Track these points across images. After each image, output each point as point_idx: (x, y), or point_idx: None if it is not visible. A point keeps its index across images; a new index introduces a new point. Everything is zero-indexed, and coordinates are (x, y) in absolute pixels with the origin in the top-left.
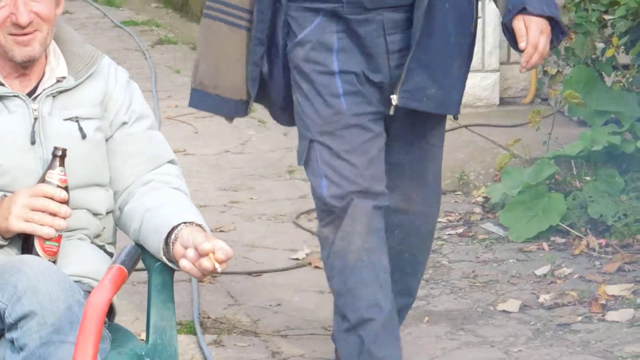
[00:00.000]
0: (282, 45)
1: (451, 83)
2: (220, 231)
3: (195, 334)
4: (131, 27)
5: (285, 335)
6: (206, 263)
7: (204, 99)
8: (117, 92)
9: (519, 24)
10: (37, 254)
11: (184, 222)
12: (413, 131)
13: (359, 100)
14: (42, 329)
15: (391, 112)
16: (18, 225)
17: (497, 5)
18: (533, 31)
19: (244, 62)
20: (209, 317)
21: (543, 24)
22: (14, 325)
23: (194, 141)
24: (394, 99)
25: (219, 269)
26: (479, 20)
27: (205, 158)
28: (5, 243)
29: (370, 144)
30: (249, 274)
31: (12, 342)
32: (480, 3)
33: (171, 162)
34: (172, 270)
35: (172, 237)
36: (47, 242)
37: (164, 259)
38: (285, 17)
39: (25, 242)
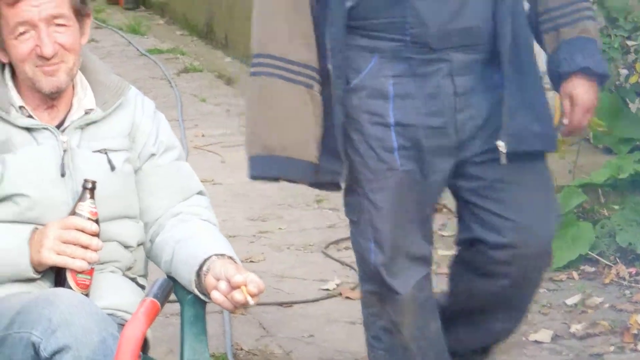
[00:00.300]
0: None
1: (549, 116)
2: (250, 261)
3: None
4: (156, 55)
5: None
6: (238, 296)
7: (271, 164)
8: (144, 123)
9: (565, 100)
10: (70, 287)
11: (215, 254)
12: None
13: (415, 155)
14: None
15: (503, 161)
16: (50, 258)
17: (539, 40)
18: (579, 114)
19: (310, 120)
20: (241, 349)
21: (591, 100)
22: (49, 359)
23: (222, 170)
24: (501, 145)
25: (251, 302)
26: None
27: (233, 187)
28: (38, 276)
29: (424, 205)
30: (280, 304)
31: None
32: None
33: (200, 193)
34: (204, 303)
35: (204, 269)
36: (80, 275)
37: (196, 291)
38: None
39: (57, 275)
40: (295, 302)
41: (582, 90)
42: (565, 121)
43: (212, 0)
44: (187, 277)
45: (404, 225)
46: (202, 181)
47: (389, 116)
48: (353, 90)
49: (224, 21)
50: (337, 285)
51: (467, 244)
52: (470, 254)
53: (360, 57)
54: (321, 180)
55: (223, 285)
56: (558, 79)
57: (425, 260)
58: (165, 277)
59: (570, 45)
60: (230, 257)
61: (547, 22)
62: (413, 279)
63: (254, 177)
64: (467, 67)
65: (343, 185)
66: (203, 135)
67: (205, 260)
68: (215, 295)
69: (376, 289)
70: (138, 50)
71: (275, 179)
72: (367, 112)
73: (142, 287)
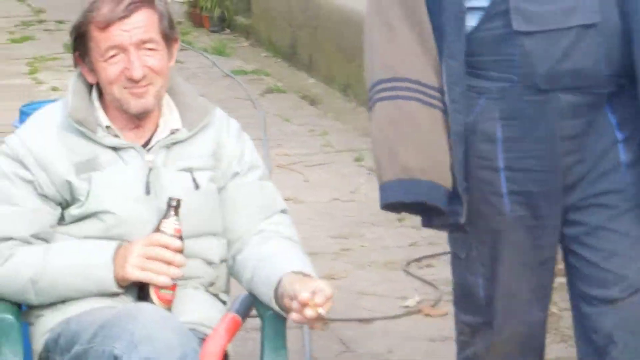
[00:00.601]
0: None
1: None
2: (332, 278)
3: None
4: (241, 76)
5: None
6: (309, 312)
7: (410, 188)
8: (229, 143)
9: None
10: (153, 302)
11: (284, 275)
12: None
13: (526, 200)
14: None
15: None
16: (134, 273)
17: None
18: None
19: (446, 145)
20: None
21: None
22: None
23: (305, 189)
24: None
25: (322, 312)
26: None
27: (316, 206)
28: (122, 291)
29: (542, 249)
30: (360, 321)
31: None
32: None
33: (283, 211)
34: (284, 318)
35: (279, 289)
36: (163, 291)
37: (276, 308)
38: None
39: (141, 291)
40: (376, 319)
41: None
42: None
43: (296, 23)
44: (266, 295)
45: (519, 269)
46: (285, 199)
47: (498, 160)
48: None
49: (308, 43)
50: (418, 302)
51: (574, 303)
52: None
53: (467, 99)
54: (445, 222)
55: (295, 304)
56: None
57: (539, 306)
58: (247, 293)
59: None
60: (302, 273)
61: None
62: (519, 321)
63: (387, 205)
64: (577, 110)
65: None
66: (286, 155)
67: (280, 280)
68: (293, 316)
69: (475, 321)
70: (223, 71)
71: (405, 208)
72: (475, 156)
73: (224, 302)
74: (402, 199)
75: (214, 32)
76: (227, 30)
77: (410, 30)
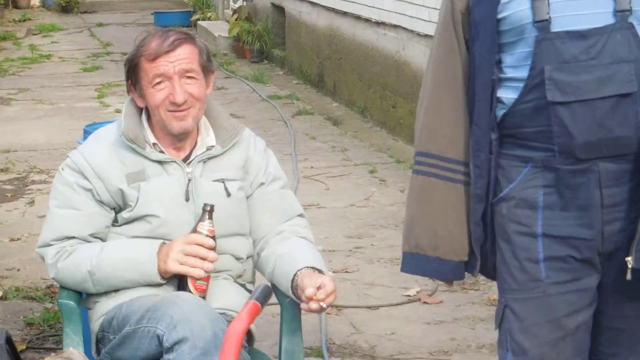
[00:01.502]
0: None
1: None
2: (346, 272)
3: (323, 356)
4: (275, 100)
5: (397, 359)
6: (313, 306)
7: (421, 263)
8: (256, 158)
9: None
10: (190, 291)
11: (299, 269)
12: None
13: (562, 268)
14: (192, 352)
15: (628, 277)
16: (174, 267)
17: None
18: None
19: (464, 219)
20: (334, 343)
21: None
22: (170, 349)
23: (326, 196)
24: (629, 261)
25: (324, 306)
26: None
27: (335, 211)
28: (164, 282)
29: (570, 319)
30: (369, 307)
31: None
32: None
33: (300, 215)
34: (299, 305)
35: (295, 281)
36: (198, 281)
37: (293, 297)
38: (495, 170)
39: (180, 281)
40: (381, 306)
41: None
42: None
43: (323, 55)
44: (284, 286)
45: (553, 340)
46: (308, 205)
47: (537, 226)
48: (503, 199)
49: (332, 72)
50: (417, 292)
51: None
52: None
53: (512, 167)
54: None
55: (303, 297)
56: None
57: None
58: (265, 283)
59: None
60: (313, 267)
61: None
62: None
63: (406, 272)
64: (616, 177)
65: (474, 274)
66: (312, 167)
67: (295, 274)
68: (302, 306)
69: None
70: (260, 96)
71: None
72: (514, 222)
73: (250, 291)
74: (413, 273)
75: (254, 62)
76: (265, 61)
77: (447, 99)
